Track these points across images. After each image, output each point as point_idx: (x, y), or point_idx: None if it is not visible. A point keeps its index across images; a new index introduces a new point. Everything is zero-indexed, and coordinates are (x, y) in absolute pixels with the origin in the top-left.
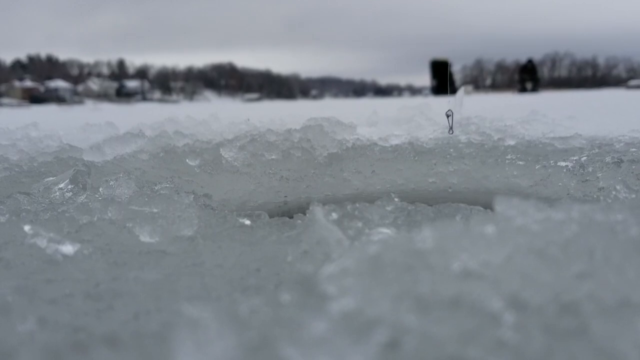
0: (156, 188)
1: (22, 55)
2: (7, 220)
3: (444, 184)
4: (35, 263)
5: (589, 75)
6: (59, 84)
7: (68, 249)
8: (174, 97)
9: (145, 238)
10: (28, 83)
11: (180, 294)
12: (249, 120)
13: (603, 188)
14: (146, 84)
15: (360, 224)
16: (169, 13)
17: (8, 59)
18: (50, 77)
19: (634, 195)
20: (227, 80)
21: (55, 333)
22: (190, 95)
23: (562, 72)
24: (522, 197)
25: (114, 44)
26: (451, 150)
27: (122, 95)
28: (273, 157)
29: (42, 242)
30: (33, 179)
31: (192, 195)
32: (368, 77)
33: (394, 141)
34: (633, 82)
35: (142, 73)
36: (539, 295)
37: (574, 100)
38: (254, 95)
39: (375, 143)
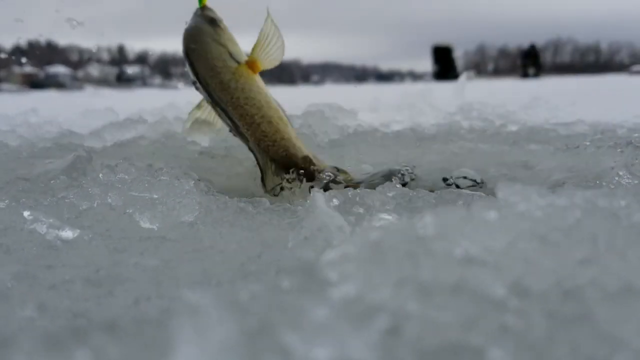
0: (156, 174)
1: (22, 41)
2: (6, 206)
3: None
4: (35, 249)
5: (592, 61)
6: (59, 69)
7: (68, 234)
8: (175, 82)
9: (145, 224)
10: (27, 68)
11: (181, 280)
12: None
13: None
14: (146, 70)
15: (361, 210)
16: None
17: (7, 44)
18: (50, 63)
19: (637, 181)
20: None
21: (55, 319)
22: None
23: (565, 57)
24: (524, 183)
25: (114, 30)
26: (453, 136)
27: (122, 80)
28: None
29: (41, 228)
30: (33, 165)
31: (193, 181)
32: (369, 63)
33: (396, 127)
34: (636, 68)
35: (142, 59)
36: (542, 281)
37: (577, 86)
38: None
39: (377, 129)
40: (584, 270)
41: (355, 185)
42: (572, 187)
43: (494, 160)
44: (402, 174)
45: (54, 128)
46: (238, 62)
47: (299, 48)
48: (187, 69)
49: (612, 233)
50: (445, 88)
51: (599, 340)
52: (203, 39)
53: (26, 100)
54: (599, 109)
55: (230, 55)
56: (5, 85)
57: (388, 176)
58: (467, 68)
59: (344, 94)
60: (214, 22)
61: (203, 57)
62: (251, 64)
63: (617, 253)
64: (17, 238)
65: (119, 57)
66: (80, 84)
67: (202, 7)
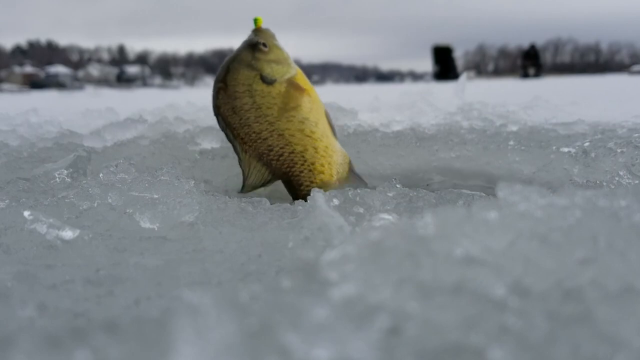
0: (157, 174)
1: (22, 41)
2: (6, 206)
3: (446, 170)
4: (35, 249)
5: (592, 61)
6: (59, 69)
7: (68, 234)
8: (175, 82)
9: (145, 224)
10: (28, 69)
11: (181, 280)
12: None
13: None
14: (147, 70)
15: (361, 210)
16: None
17: (8, 44)
18: (50, 63)
19: (637, 181)
20: None
21: (55, 319)
22: (191, 81)
23: (565, 57)
24: (524, 183)
25: (114, 30)
26: (453, 136)
27: (123, 80)
28: None
29: (42, 228)
30: (33, 165)
31: (193, 181)
32: (370, 63)
33: (396, 127)
34: (636, 68)
35: (142, 59)
36: (542, 281)
37: (577, 86)
38: None
39: (377, 129)
40: (584, 270)
41: None
42: (572, 187)
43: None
44: None
45: (54, 128)
46: (271, 82)
47: (299, 48)
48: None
49: (612, 233)
50: (445, 88)
51: (600, 340)
52: (235, 66)
53: (26, 100)
54: (599, 109)
55: (262, 78)
56: (5, 85)
57: None
58: (467, 68)
59: (344, 94)
60: (255, 46)
61: (229, 84)
62: (294, 82)
63: (618, 253)
64: (17, 238)
65: (119, 57)
66: (80, 84)
67: (257, 29)
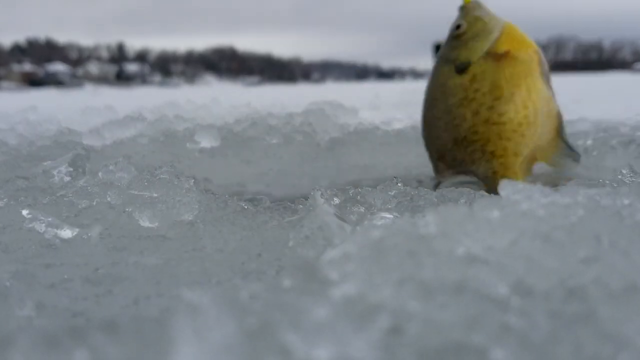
0: (156, 172)
1: (21, 39)
2: (5, 205)
3: None
4: (33, 247)
5: (595, 59)
6: (58, 67)
7: (67, 233)
8: (175, 80)
9: (145, 223)
10: (27, 67)
11: (181, 279)
12: (249, 104)
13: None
14: (146, 68)
15: (362, 209)
16: None
17: (7, 42)
18: (49, 61)
19: None
20: (228, 64)
21: (53, 318)
22: (191, 78)
23: (567, 55)
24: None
25: (114, 27)
26: None
27: (122, 78)
28: (274, 141)
29: (40, 227)
30: (32, 163)
31: (193, 180)
32: (370, 61)
33: (397, 125)
34: (639, 65)
35: (142, 56)
36: (545, 280)
37: (580, 84)
38: (255, 79)
39: (378, 127)
40: (587, 269)
41: None
42: (575, 186)
43: None
44: None
45: (53, 126)
46: (465, 68)
47: (300, 46)
48: None
49: (615, 232)
50: None
51: (603, 339)
52: (438, 65)
53: (25, 98)
54: (602, 106)
55: (456, 68)
56: (4, 84)
57: None
58: None
59: (344, 92)
60: (452, 33)
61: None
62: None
63: (621, 252)
64: (15, 237)
65: (119, 55)
66: (79, 81)
67: (465, 5)
